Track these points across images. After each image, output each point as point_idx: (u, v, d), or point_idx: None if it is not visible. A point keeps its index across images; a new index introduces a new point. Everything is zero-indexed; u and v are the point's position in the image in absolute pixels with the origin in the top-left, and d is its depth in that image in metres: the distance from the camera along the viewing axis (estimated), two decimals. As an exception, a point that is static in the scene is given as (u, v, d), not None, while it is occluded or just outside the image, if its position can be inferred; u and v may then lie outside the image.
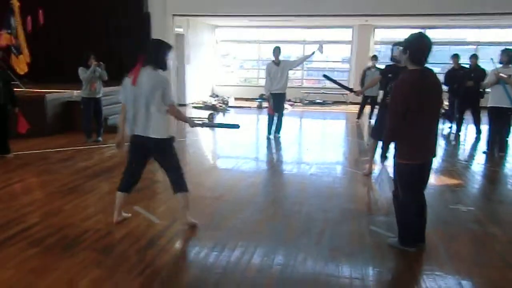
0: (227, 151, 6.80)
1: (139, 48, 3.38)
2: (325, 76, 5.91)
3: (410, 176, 3.05)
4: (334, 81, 5.91)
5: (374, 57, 10.14)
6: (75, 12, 10.09)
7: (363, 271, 2.92)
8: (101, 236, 3.39)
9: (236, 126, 4.27)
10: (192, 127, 3.80)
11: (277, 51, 7.45)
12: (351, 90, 6.10)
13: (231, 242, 3.31)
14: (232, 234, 3.48)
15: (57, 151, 6.32)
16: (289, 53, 14.48)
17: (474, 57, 7.98)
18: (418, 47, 2.92)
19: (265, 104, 12.04)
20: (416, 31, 3.14)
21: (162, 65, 3.34)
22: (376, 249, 3.25)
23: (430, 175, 3.25)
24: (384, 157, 3.19)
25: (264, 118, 9.80)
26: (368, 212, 4.11)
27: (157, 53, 3.31)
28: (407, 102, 2.87)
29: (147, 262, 3.00)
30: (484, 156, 6.55)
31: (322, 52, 7.54)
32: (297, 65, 8.43)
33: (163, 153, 3.42)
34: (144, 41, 8.90)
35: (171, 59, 3.40)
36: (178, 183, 3.51)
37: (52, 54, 10.20)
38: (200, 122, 3.99)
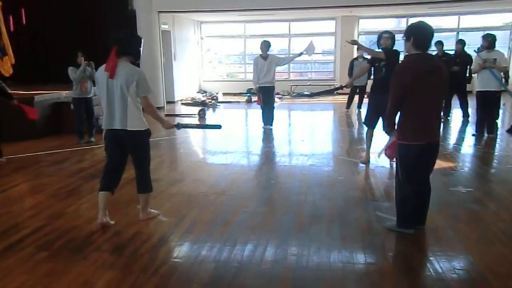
0: (222, 146, 6.77)
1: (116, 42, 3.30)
2: (312, 94, 5.91)
3: (409, 157, 3.13)
4: (323, 92, 5.97)
5: None
6: (60, 11, 9.85)
7: (377, 256, 2.98)
8: (110, 237, 3.34)
9: (218, 127, 4.09)
10: (167, 128, 3.72)
11: (264, 45, 7.59)
12: (341, 87, 6.26)
13: (242, 235, 3.31)
14: (242, 227, 3.48)
15: (49, 153, 6.18)
16: (273, 46, 14.47)
17: (460, 42, 8.14)
18: (422, 33, 3.04)
19: (254, 98, 12.11)
20: (399, 20, 3.31)
21: (135, 56, 3.33)
22: (386, 234, 3.30)
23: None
24: (387, 131, 3.34)
25: (254, 112, 9.82)
26: (372, 198, 4.17)
27: (130, 45, 3.30)
28: (406, 84, 2.99)
29: (161, 260, 2.97)
30: (473, 138, 6.73)
31: (310, 55, 7.71)
32: (285, 63, 8.71)
33: (139, 146, 3.41)
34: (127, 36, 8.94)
35: (141, 50, 3.40)
36: (144, 183, 3.52)
37: (37, 54, 9.95)
38: (175, 123, 3.80)
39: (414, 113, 3.05)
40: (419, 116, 3.06)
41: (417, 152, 3.09)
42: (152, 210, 3.71)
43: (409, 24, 3.28)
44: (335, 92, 6.15)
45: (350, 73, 10.06)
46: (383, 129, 3.94)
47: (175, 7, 10.70)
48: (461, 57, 7.92)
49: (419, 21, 3.14)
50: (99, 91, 3.37)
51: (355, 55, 10.57)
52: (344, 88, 6.40)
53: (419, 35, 3.03)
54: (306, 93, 13.45)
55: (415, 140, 3.07)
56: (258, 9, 11.01)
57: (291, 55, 9.19)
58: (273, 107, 7.86)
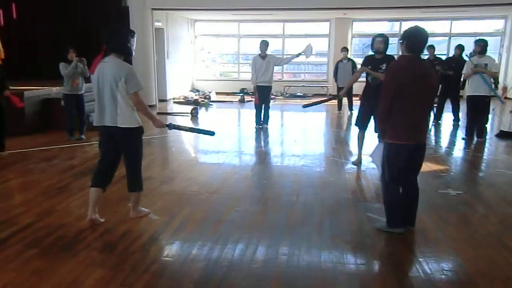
0: (215, 145, 6.75)
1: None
2: (305, 106, 5.67)
3: (396, 156, 3.17)
4: (317, 103, 5.84)
5: (345, 49, 10.24)
6: (51, 6, 9.73)
7: (367, 257, 3.00)
8: (100, 235, 3.32)
9: (211, 133, 3.89)
10: (158, 127, 3.62)
11: (263, 44, 7.70)
12: (336, 96, 6.39)
13: (234, 235, 3.31)
14: (233, 227, 3.48)
15: (39, 150, 6.11)
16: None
17: (459, 47, 8.20)
18: (414, 38, 3.12)
19: (247, 98, 12.14)
20: (392, 23, 3.35)
21: (125, 52, 3.28)
22: (376, 234, 3.33)
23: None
24: (381, 136, 3.35)
25: (247, 111, 9.83)
26: (363, 199, 4.20)
27: (117, 40, 3.25)
28: (397, 83, 3.05)
29: (151, 259, 2.96)
30: (463, 142, 6.81)
31: (308, 56, 7.79)
32: (283, 63, 8.89)
33: (130, 143, 3.37)
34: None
35: (134, 45, 3.33)
36: (135, 182, 3.49)
37: (27, 49, 9.81)
38: (167, 123, 3.65)
39: (404, 113, 3.11)
40: (409, 117, 3.12)
41: (406, 152, 3.14)
42: (143, 209, 3.69)
43: (402, 27, 3.33)
44: (334, 98, 6.22)
45: (335, 75, 10.13)
46: (375, 131, 3.98)
47: (168, 4, 10.66)
48: (457, 62, 7.95)
49: (415, 26, 3.20)
50: (93, 88, 3.38)
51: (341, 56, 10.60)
52: (339, 97, 6.48)
53: (411, 39, 3.12)
54: (299, 94, 13.52)
55: (406, 139, 3.12)
56: (252, 9, 11.01)
57: (289, 56, 9.23)
58: (269, 107, 7.98)
